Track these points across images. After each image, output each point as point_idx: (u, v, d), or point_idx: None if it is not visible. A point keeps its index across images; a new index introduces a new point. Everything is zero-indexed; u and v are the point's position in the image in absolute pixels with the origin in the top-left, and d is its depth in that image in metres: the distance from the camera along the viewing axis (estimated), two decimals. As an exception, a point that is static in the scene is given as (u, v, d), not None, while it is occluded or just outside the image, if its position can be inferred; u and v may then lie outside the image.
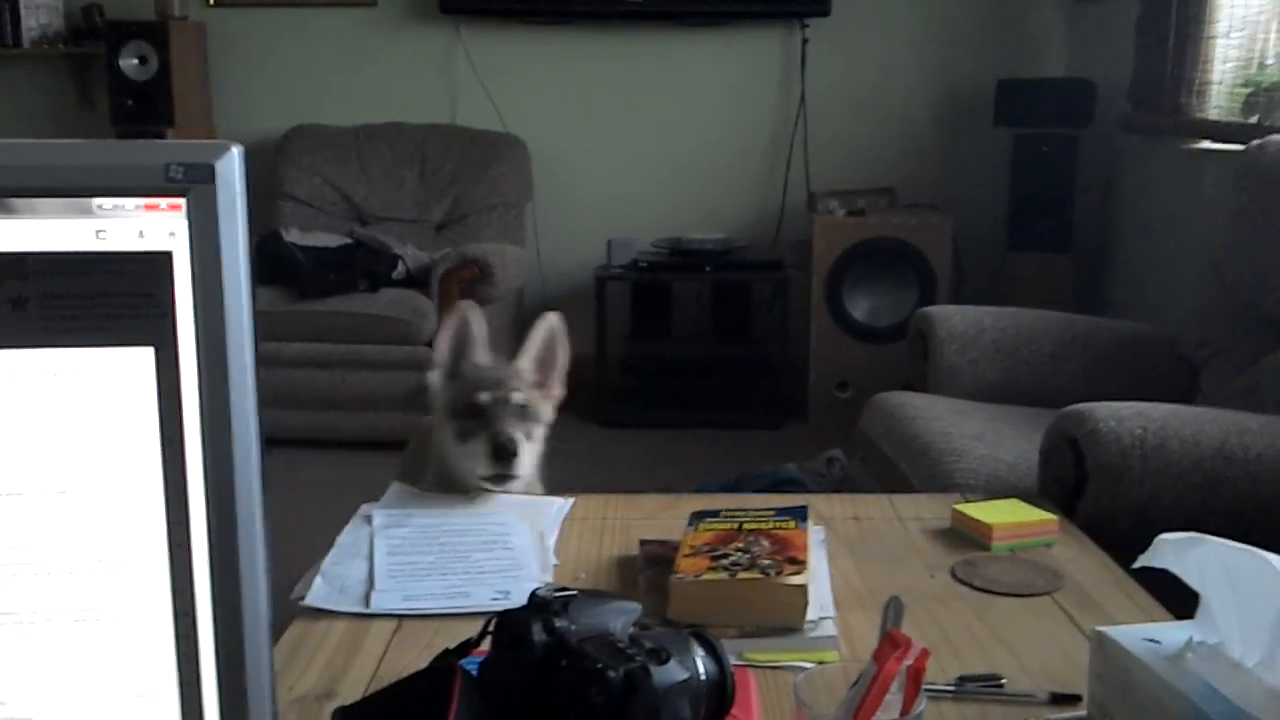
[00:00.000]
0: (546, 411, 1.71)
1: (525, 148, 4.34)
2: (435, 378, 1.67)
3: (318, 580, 1.35)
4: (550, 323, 1.71)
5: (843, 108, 4.36)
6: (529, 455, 1.61)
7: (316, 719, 1.02)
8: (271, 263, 3.87)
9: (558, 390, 1.74)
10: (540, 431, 1.68)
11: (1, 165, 0.59)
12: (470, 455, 1.59)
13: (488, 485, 1.59)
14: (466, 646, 0.98)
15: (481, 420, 1.60)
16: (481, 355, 1.69)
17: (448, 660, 0.94)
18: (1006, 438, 2.13)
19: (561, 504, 1.64)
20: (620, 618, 0.93)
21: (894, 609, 1.25)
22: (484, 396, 1.61)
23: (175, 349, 0.60)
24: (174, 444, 0.61)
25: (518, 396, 1.62)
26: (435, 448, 1.68)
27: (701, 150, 4.46)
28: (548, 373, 1.73)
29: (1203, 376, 2.34)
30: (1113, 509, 1.70)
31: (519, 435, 1.58)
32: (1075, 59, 4.26)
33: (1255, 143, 2.32)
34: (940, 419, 2.25)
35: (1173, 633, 0.90)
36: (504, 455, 1.56)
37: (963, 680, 1.06)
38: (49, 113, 4.50)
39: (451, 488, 1.65)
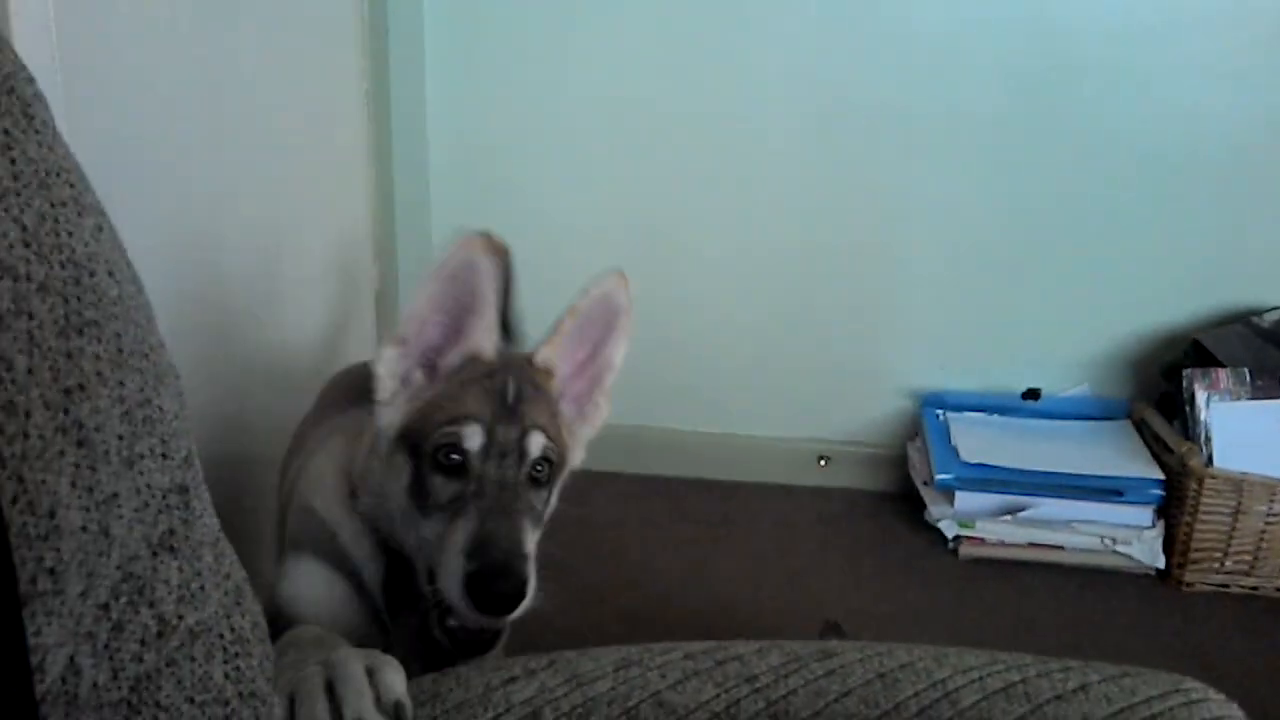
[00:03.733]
0: (577, 455, 1.11)
1: None
2: (389, 357, 1.03)
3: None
4: (610, 285, 1.07)
5: None
6: (533, 564, 0.95)
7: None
8: None
9: (603, 407, 1.13)
10: (555, 495, 1.07)
11: None
12: (437, 559, 0.96)
13: (446, 637, 0.97)
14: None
15: (460, 500, 0.96)
16: (486, 335, 1.02)
17: None
18: None
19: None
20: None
21: None
22: (473, 442, 0.97)
23: None
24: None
25: (537, 444, 0.99)
26: (366, 483, 1.05)
27: None
28: (593, 376, 1.11)
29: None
30: None
31: (528, 545, 0.95)
32: None
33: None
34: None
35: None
36: (498, 604, 0.92)
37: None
38: None
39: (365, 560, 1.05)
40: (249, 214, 1.55)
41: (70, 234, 0.54)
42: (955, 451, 2.18)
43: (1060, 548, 2.12)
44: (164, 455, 0.60)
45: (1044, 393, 2.34)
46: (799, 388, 2.40)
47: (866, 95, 2.21)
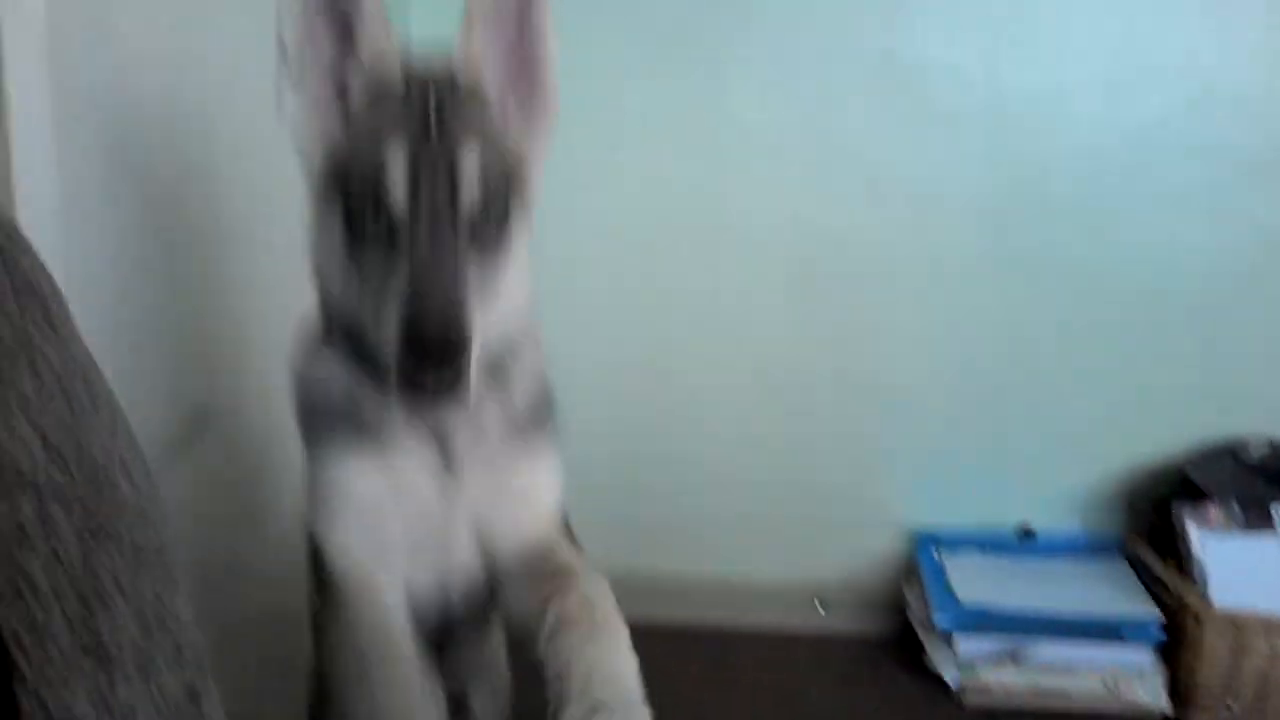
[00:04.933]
0: (536, 171, 0.95)
1: None
2: (290, 102, 0.91)
3: None
4: None
5: None
6: (482, 331, 0.84)
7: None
8: None
9: (549, 96, 0.95)
10: (522, 250, 0.93)
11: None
12: (376, 314, 0.85)
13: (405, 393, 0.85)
14: None
15: (394, 247, 0.84)
16: (383, 43, 0.90)
17: None
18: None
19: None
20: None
21: None
22: (395, 174, 0.84)
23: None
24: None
25: (471, 161, 0.86)
26: (319, 268, 0.95)
27: None
28: (528, 61, 0.94)
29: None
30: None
31: (469, 297, 0.83)
32: None
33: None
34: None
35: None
36: (432, 357, 0.81)
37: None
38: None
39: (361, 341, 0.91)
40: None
41: (89, 438, 0.53)
42: (953, 593, 2.15)
43: (1065, 693, 2.07)
44: (178, 663, 0.58)
45: (1039, 531, 2.33)
46: (794, 528, 2.37)
47: (849, 236, 2.26)
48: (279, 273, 0.98)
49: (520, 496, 0.99)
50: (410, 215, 0.83)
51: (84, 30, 1.05)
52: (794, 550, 2.38)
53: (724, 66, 2.23)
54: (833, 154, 2.24)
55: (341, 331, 0.93)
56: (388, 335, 0.82)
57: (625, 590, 2.33)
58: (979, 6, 2.20)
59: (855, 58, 2.22)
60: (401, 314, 0.80)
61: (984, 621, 2.11)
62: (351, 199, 0.86)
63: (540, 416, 1.00)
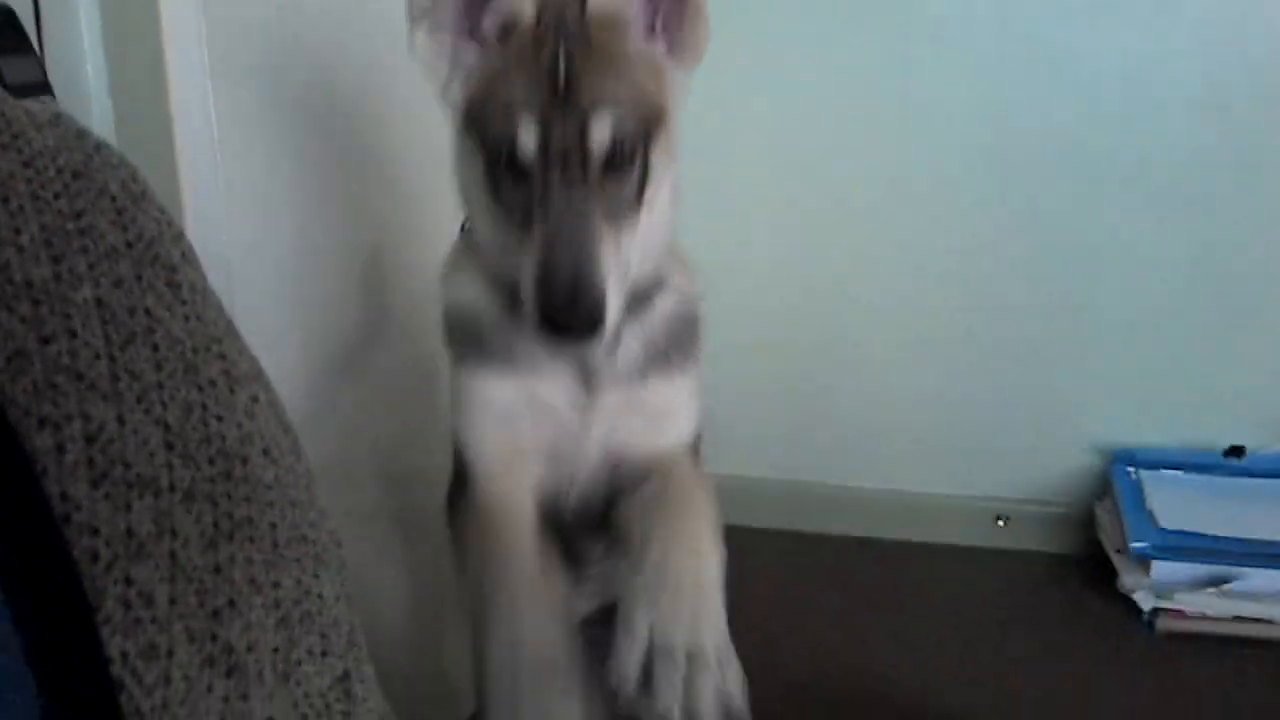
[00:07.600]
0: (679, 99, 0.94)
1: None
2: (421, 40, 0.91)
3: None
4: None
5: None
6: (619, 279, 0.86)
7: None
8: None
9: (699, 28, 0.93)
10: (663, 158, 0.90)
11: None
12: (515, 260, 0.88)
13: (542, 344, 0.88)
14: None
15: (528, 207, 0.86)
16: None
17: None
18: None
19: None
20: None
21: None
22: (526, 140, 0.85)
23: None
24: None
25: (602, 131, 0.85)
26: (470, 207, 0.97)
27: None
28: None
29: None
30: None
31: (601, 261, 0.84)
32: None
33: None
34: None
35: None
36: (574, 335, 0.85)
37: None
38: None
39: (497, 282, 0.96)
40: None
41: (220, 419, 0.48)
42: (1151, 515, 2.00)
43: (1272, 622, 1.92)
44: (324, 652, 0.53)
45: (1249, 450, 2.14)
46: (974, 440, 2.25)
47: (1048, 128, 2.07)
48: (441, 186, 0.97)
49: (655, 418, 1.01)
50: (542, 173, 0.85)
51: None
52: (976, 464, 2.26)
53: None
54: (1027, 41, 2.04)
55: (486, 259, 0.97)
56: (525, 286, 0.85)
57: (800, 503, 2.30)
58: None
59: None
60: (536, 274, 0.84)
61: (1186, 547, 1.96)
62: (486, 147, 0.88)
63: (682, 341, 1.02)
